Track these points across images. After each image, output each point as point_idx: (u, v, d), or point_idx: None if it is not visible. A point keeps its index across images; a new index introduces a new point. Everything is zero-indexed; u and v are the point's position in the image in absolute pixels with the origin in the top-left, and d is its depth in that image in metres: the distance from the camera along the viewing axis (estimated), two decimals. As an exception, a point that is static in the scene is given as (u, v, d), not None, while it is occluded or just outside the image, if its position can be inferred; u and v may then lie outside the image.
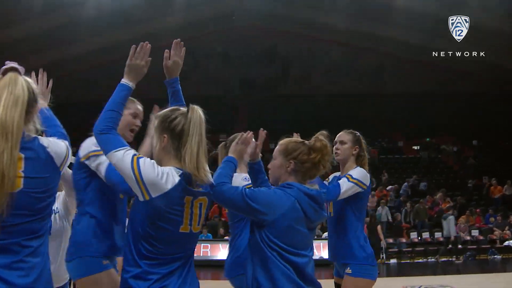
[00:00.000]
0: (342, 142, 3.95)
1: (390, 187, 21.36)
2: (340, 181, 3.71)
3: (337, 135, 3.96)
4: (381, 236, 15.07)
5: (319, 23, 24.44)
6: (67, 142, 2.27)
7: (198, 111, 2.38)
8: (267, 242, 2.46)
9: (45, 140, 2.12)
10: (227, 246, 3.94)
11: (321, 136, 2.75)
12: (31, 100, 2.08)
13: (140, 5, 24.14)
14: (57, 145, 2.15)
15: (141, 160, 2.25)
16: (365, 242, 3.75)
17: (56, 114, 2.71)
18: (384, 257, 15.79)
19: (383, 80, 28.54)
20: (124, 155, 2.26)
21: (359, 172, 3.78)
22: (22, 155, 1.98)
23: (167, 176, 2.23)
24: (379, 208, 18.32)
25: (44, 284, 2.03)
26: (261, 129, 3.20)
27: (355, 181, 3.69)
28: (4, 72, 2.08)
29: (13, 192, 1.92)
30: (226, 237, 15.89)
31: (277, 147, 2.76)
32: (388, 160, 26.27)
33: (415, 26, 23.01)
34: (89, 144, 2.82)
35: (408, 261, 16.62)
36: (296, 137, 2.95)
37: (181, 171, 2.27)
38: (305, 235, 2.56)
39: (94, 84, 27.50)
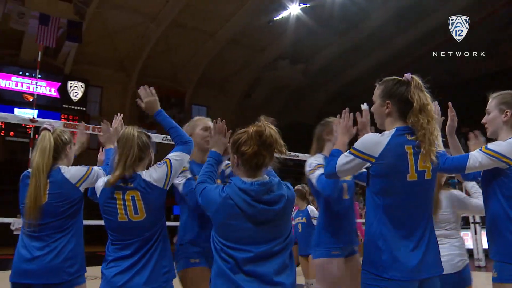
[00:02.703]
0: (487, 112, 3.07)
1: None
2: (471, 152, 2.85)
3: None
4: None
5: None
6: (95, 169, 3.23)
7: (127, 130, 2.91)
8: (213, 237, 2.46)
9: (62, 168, 3.15)
10: None
11: (263, 121, 2.50)
12: (58, 146, 3.19)
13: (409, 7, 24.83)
14: (69, 170, 3.15)
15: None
16: None
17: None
18: None
19: None
20: None
21: (502, 144, 2.82)
22: (49, 180, 3.06)
23: (102, 180, 2.87)
24: None
25: (64, 261, 2.99)
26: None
27: (488, 151, 2.77)
28: (41, 131, 3.21)
29: (41, 204, 3.02)
30: None
31: None
32: None
33: None
34: None
35: None
36: (262, 122, 2.49)
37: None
38: (247, 230, 2.37)
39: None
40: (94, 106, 27.83)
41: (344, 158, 2.64)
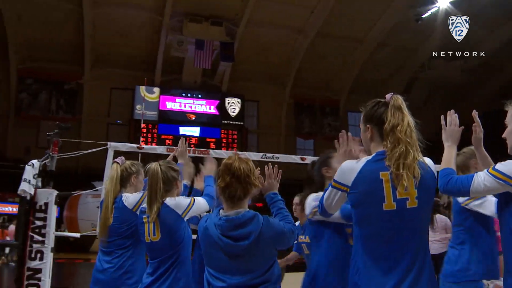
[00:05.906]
0: (506, 124, 2.52)
1: None
2: (477, 173, 2.37)
3: None
4: None
5: None
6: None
7: (151, 167, 3.28)
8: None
9: (124, 195, 3.70)
10: None
11: (236, 155, 2.63)
12: (123, 176, 3.78)
13: None
14: (127, 198, 3.69)
15: None
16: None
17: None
18: None
19: None
20: None
21: (509, 163, 2.27)
22: (114, 205, 3.65)
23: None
24: None
25: (123, 274, 3.54)
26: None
27: (495, 173, 2.28)
28: (112, 163, 3.92)
29: (109, 225, 3.61)
30: None
31: None
32: None
33: None
34: None
35: None
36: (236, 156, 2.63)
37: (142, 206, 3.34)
38: (222, 260, 2.47)
39: None
40: (251, 120, 28.91)
41: (326, 193, 2.48)
